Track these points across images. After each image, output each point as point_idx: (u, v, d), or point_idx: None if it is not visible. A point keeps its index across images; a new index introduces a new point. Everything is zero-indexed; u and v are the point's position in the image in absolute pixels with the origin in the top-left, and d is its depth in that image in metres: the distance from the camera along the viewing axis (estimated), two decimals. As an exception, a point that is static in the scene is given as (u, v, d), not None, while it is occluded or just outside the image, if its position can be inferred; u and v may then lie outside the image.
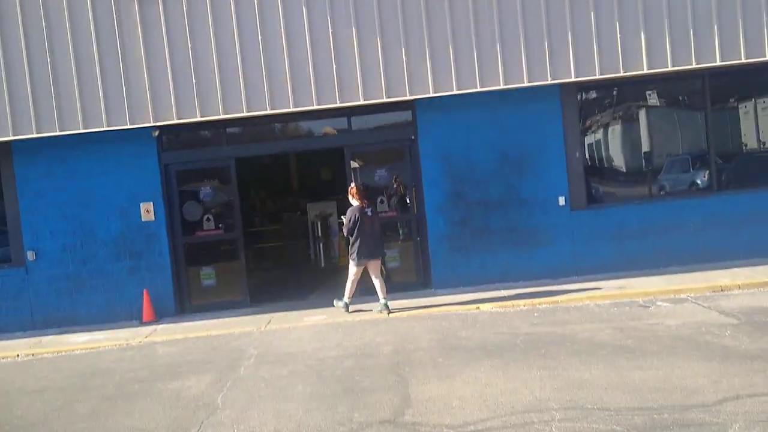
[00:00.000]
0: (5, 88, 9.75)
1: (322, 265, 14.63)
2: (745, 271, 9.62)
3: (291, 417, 5.68)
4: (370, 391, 6.16)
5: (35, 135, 9.80)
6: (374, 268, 9.62)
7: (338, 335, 8.48)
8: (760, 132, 11.50)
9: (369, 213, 9.58)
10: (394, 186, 10.97)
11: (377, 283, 9.58)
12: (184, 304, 10.73)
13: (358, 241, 9.43)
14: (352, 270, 9.63)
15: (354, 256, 9.51)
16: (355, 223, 9.42)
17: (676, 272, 9.94)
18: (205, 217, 10.74)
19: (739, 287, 8.97)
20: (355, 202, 9.56)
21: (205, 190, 10.87)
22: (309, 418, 5.62)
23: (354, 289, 9.78)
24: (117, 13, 9.74)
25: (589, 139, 11.07)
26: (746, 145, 11.57)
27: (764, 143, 11.68)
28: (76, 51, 9.75)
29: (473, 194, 10.51)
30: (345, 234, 9.71)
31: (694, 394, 5.31)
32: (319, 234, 14.81)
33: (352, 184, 9.83)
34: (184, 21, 9.76)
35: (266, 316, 9.89)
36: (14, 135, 9.81)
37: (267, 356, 7.82)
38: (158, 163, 10.50)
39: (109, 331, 9.89)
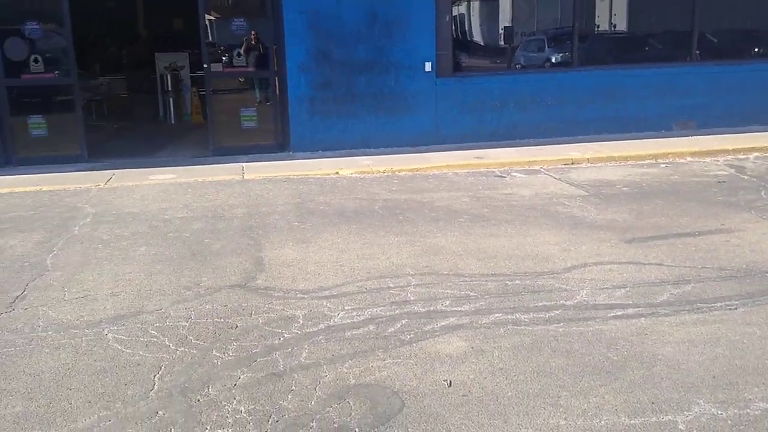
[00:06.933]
0: None
1: (172, 121, 13.59)
2: (594, 146, 9.99)
3: (131, 280, 5.22)
4: (221, 254, 5.79)
5: None
6: None
7: (187, 196, 7.91)
8: (613, 15, 11.71)
9: None
10: (252, 41, 10.11)
11: None
12: (9, 155, 9.53)
13: None
14: None
15: None
16: None
17: (532, 145, 10.15)
18: (33, 58, 9.37)
19: (588, 161, 9.32)
20: None
21: (32, 26, 9.39)
22: (151, 281, 5.19)
23: None
24: None
25: (457, 10, 10.70)
26: (599, 27, 11.76)
27: (615, 26, 11.94)
28: None
29: (339, 54, 9.90)
30: None
31: (545, 261, 5.43)
32: (169, 88, 13.62)
33: None
34: None
35: (107, 173, 9.02)
36: None
37: (106, 215, 7.13)
38: (-29, -11, 8.90)
39: None
